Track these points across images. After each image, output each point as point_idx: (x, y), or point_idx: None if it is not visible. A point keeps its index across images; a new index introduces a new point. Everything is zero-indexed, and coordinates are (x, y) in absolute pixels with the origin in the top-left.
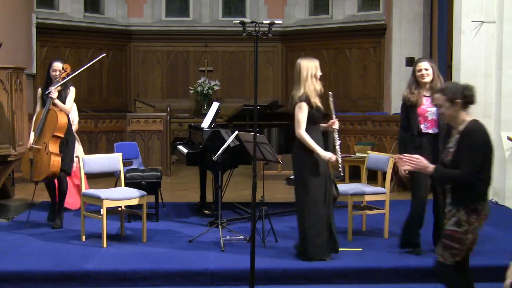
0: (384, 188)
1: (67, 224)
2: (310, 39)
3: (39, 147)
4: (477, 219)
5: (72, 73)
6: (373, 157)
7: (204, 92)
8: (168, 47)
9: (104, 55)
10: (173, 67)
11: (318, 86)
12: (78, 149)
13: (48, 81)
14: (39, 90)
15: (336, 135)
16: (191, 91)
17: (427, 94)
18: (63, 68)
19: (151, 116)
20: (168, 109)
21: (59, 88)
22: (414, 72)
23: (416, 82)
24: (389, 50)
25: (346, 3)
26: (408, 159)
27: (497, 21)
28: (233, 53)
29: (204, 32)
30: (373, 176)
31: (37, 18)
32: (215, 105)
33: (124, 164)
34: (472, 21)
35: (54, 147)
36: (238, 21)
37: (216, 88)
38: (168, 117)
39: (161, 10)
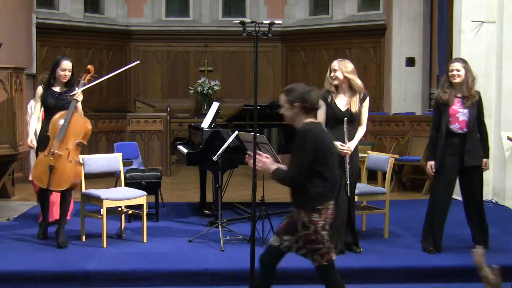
0: (384, 188)
1: (67, 224)
2: (310, 39)
3: (61, 153)
4: (320, 217)
5: (100, 78)
6: (373, 157)
7: (204, 92)
8: (168, 47)
9: (138, 62)
10: (173, 67)
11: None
12: None
13: (52, 80)
14: (40, 88)
15: (347, 160)
16: (191, 91)
17: (459, 95)
18: (87, 70)
19: (151, 116)
20: (168, 109)
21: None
22: (447, 71)
23: (449, 81)
24: (389, 50)
25: (346, 3)
26: (258, 159)
27: (497, 21)
28: (233, 53)
29: (204, 32)
30: (373, 176)
31: (37, 18)
32: (215, 105)
33: (124, 164)
34: (472, 21)
35: (76, 155)
36: (238, 21)
37: (216, 88)
38: (168, 117)
39: (161, 10)
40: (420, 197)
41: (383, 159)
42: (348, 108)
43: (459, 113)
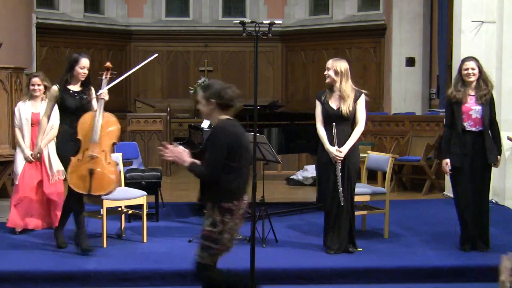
0: (384, 188)
1: (67, 224)
2: (310, 39)
3: (98, 155)
4: (232, 218)
5: (121, 75)
6: (373, 157)
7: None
8: (168, 47)
9: (156, 55)
10: (173, 67)
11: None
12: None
13: (69, 79)
14: (56, 88)
15: (338, 166)
16: (191, 91)
17: (472, 93)
18: (107, 68)
19: (151, 116)
20: (168, 109)
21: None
22: (460, 70)
23: (462, 80)
24: (389, 50)
25: (346, 3)
26: (170, 150)
27: (497, 21)
28: (233, 53)
29: (204, 32)
30: (373, 176)
31: (37, 18)
32: None
33: (124, 164)
34: (472, 21)
35: (110, 156)
36: (238, 21)
37: None
38: (168, 117)
39: (161, 10)
40: (420, 197)
41: (383, 159)
42: (339, 107)
43: (472, 111)
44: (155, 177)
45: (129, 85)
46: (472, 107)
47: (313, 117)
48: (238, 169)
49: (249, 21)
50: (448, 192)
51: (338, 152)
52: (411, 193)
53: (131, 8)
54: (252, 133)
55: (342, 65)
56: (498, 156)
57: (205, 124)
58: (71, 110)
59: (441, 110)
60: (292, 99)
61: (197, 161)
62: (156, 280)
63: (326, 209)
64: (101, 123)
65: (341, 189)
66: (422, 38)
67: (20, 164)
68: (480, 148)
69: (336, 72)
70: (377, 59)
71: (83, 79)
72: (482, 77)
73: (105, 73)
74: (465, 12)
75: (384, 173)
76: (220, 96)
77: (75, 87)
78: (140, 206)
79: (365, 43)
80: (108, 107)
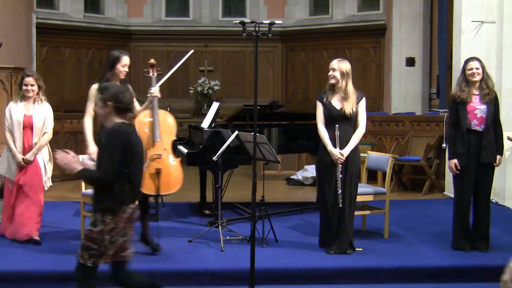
0: (384, 188)
1: (67, 224)
2: (310, 39)
3: (160, 153)
4: (113, 220)
5: (168, 71)
6: (373, 157)
7: (204, 92)
8: (168, 47)
9: (192, 51)
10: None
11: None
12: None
13: (110, 78)
14: (96, 87)
15: (339, 168)
16: (191, 91)
17: (476, 93)
18: (151, 64)
19: None
20: (168, 109)
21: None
22: (464, 70)
23: (465, 80)
24: (389, 50)
25: (346, 3)
26: (63, 155)
27: (497, 21)
28: (233, 53)
29: (204, 32)
30: (373, 176)
31: (37, 18)
32: (215, 105)
33: None
34: (472, 21)
35: (173, 154)
36: (238, 21)
37: (216, 88)
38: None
39: (161, 10)
40: (420, 197)
41: (383, 159)
42: (342, 108)
43: (477, 110)
44: None
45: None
46: (477, 106)
47: (313, 117)
48: (129, 175)
49: (249, 21)
50: (448, 192)
51: (341, 154)
52: (411, 193)
53: (131, 8)
54: (252, 133)
55: (346, 66)
56: (499, 156)
57: (205, 124)
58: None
59: (441, 110)
60: (292, 99)
61: (89, 166)
62: (156, 280)
63: (327, 210)
64: (158, 122)
65: (340, 191)
66: (422, 38)
67: (9, 166)
68: (486, 141)
69: (342, 73)
70: (377, 59)
71: (123, 77)
72: (485, 77)
73: (151, 70)
74: (465, 12)
75: (384, 173)
76: (118, 100)
77: None
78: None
79: (365, 43)
80: None
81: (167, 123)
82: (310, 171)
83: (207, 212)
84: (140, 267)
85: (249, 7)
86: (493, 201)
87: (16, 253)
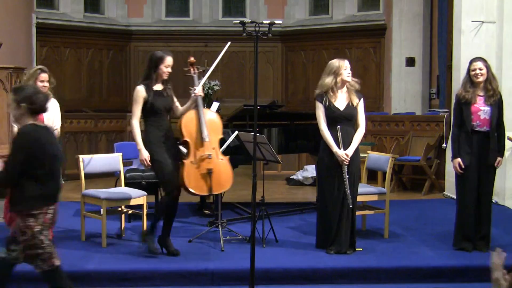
0: (384, 188)
1: (67, 224)
2: (310, 39)
3: (210, 153)
4: (37, 221)
5: (208, 69)
6: (373, 157)
7: (204, 92)
8: (168, 47)
9: (229, 43)
10: (173, 67)
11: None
12: None
13: (153, 77)
14: (141, 88)
15: (345, 169)
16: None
17: (481, 94)
18: (191, 63)
19: None
20: None
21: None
22: (468, 71)
23: (470, 81)
24: (389, 50)
25: (346, 3)
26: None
27: (497, 21)
28: (233, 53)
29: (204, 32)
30: (373, 176)
31: (37, 18)
32: (215, 105)
33: (124, 164)
34: (472, 21)
35: (220, 152)
36: (238, 21)
37: (216, 88)
38: (168, 117)
39: (161, 10)
40: (420, 197)
41: (383, 159)
42: (347, 106)
43: (481, 111)
44: (155, 177)
45: (129, 85)
46: (481, 108)
47: (313, 117)
48: (40, 177)
49: (249, 21)
50: (448, 192)
51: (346, 156)
52: (411, 193)
53: (131, 8)
54: (252, 133)
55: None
56: (499, 158)
57: None
58: (159, 111)
59: (441, 110)
60: (292, 99)
61: None
62: (156, 280)
63: (326, 210)
64: (204, 121)
65: (348, 191)
66: (422, 38)
67: None
68: (487, 149)
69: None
70: (377, 59)
71: (166, 78)
72: (489, 78)
73: (192, 69)
74: (465, 12)
75: (384, 173)
76: (31, 101)
77: (157, 86)
78: (140, 206)
79: (365, 43)
80: (108, 107)
81: (213, 121)
82: (310, 171)
83: (207, 212)
84: (140, 267)
85: (249, 7)
86: (493, 201)
87: None
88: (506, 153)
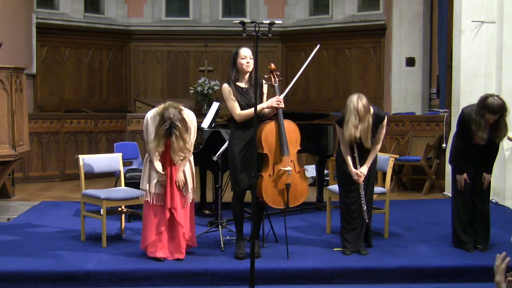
0: (384, 188)
1: (67, 224)
2: (310, 39)
3: (290, 168)
4: None
5: (295, 76)
6: None
7: (204, 92)
8: (168, 47)
9: (319, 46)
10: (173, 67)
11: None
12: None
13: (236, 76)
14: (228, 87)
15: (362, 185)
16: (191, 91)
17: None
18: (271, 70)
19: None
20: None
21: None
22: (483, 115)
23: (484, 118)
24: (389, 50)
25: (346, 3)
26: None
27: (497, 21)
28: None
29: (204, 32)
30: None
31: (37, 18)
32: (215, 105)
33: (124, 164)
34: (472, 21)
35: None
36: (238, 21)
37: (216, 88)
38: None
39: (161, 10)
40: (420, 197)
41: (383, 159)
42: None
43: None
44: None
45: (129, 85)
46: (485, 136)
47: (313, 117)
48: None
49: (249, 21)
50: (448, 192)
51: (361, 175)
52: (411, 193)
53: (131, 8)
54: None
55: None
56: (487, 175)
57: (205, 124)
58: (242, 108)
59: (441, 110)
60: (292, 99)
61: None
62: (156, 280)
63: (349, 211)
64: (285, 131)
65: (365, 207)
66: (422, 38)
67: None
68: (485, 154)
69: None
70: (377, 59)
71: (249, 70)
72: (501, 125)
73: (272, 78)
74: (465, 12)
75: (384, 173)
76: None
77: (243, 84)
78: (140, 206)
79: (365, 43)
80: (108, 107)
81: (293, 133)
82: (310, 171)
83: (207, 212)
84: (140, 267)
85: (249, 7)
86: (493, 201)
87: (16, 253)
88: (506, 153)
